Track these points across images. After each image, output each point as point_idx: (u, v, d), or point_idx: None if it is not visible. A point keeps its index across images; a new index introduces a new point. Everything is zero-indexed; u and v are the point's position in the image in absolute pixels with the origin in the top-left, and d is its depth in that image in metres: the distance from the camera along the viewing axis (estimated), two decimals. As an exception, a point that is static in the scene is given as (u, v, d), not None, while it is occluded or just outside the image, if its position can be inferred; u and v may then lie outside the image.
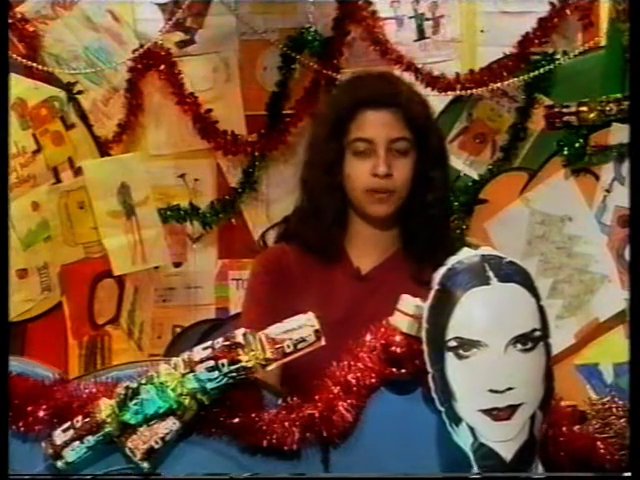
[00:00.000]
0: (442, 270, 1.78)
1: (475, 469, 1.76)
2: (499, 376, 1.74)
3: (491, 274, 1.76)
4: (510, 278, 1.76)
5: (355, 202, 2.50)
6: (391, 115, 2.47)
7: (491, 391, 1.73)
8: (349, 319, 2.33)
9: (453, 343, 1.75)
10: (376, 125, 2.47)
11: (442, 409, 1.77)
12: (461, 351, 1.74)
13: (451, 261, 1.79)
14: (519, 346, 1.74)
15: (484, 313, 1.75)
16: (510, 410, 1.74)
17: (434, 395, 1.77)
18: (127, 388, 1.80)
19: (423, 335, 1.78)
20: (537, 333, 1.76)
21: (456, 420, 1.76)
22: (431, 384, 1.78)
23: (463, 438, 1.76)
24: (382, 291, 2.43)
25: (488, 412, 1.74)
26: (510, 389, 1.73)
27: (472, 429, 1.75)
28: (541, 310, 1.78)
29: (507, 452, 1.74)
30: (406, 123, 2.47)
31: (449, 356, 1.76)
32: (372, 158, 2.46)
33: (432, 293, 1.77)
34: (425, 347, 1.78)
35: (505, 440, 1.75)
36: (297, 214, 2.58)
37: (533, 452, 1.76)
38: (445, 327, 1.75)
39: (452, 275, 1.77)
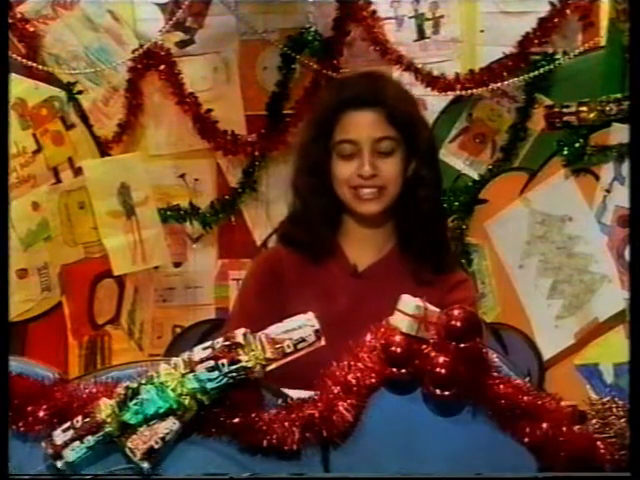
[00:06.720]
0: None
1: None
2: None
3: None
4: None
5: (345, 202, 2.52)
6: (374, 115, 2.48)
7: None
8: (348, 316, 2.34)
9: None
10: (359, 125, 2.48)
11: None
12: None
13: None
14: None
15: None
16: None
17: None
18: (127, 388, 1.80)
19: None
20: None
21: None
22: None
23: None
24: (380, 289, 2.44)
25: None
26: None
27: None
28: None
29: None
30: (391, 122, 2.48)
31: None
32: (357, 159, 2.48)
33: None
34: None
35: None
36: (289, 216, 2.61)
37: None
38: None
39: None
